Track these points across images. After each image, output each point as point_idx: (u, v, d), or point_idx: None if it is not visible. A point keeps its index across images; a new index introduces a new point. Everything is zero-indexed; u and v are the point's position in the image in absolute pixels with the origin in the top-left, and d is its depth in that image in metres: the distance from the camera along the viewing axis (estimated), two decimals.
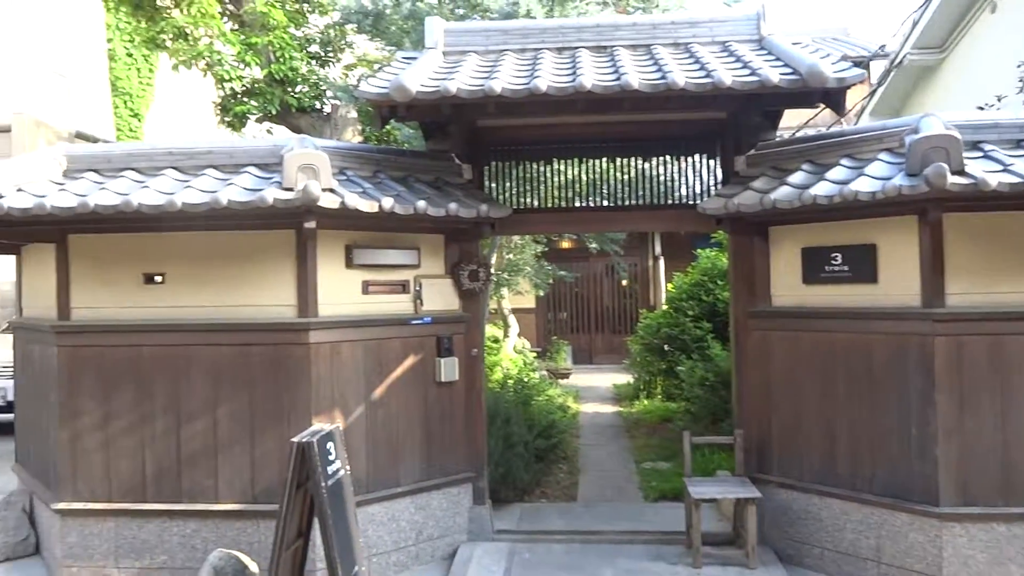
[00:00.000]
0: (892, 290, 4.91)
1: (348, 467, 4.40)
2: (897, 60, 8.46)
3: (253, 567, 4.74)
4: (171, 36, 8.26)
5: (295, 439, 4.07)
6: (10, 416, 8.12)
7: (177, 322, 5.07)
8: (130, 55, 16.74)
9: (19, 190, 4.69)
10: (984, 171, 4.22)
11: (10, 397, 8.65)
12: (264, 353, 5.02)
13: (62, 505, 5.13)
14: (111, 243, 5.13)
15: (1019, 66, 6.44)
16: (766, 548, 5.42)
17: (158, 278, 5.13)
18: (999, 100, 6.52)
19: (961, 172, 4.19)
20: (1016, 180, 4.14)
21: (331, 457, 4.20)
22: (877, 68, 9.20)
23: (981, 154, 4.55)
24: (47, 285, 5.39)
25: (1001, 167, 4.33)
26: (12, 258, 6.36)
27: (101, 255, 5.16)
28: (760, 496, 5.25)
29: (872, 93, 9.18)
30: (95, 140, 8.45)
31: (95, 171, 5.12)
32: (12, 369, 6.92)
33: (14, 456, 6.75)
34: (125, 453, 5.09)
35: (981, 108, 6.31)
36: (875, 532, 4.95)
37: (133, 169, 5.12)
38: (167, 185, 4.84)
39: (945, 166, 4.10)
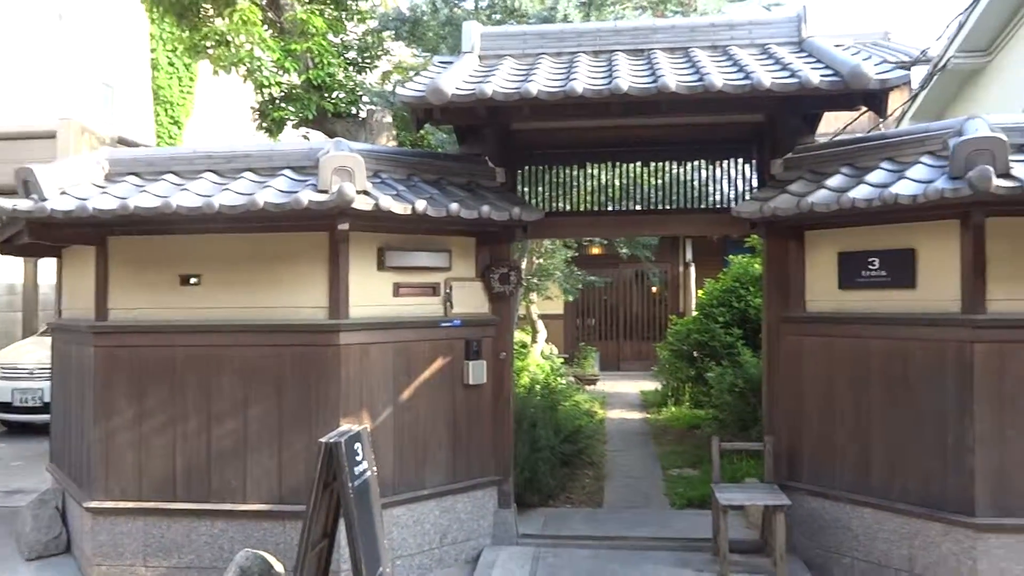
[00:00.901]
0: (931, 296, 4.74)
1: (375, 468, 4.34)
2: (941, 63, 8.21)
3: (279, 567, 4.69)
4: (213, 43, 8.31)
5: (323, 439, 4.01)
6: (46, 417, 8.20)
7: (211, 323, 5.06)
8: (172, 64, 17.03)
9: (62, 193, 4.72)
10: None
11: (47, 398, 8.76)
12: (295, 354, 4.98)
13: (94, 503, 5.13)
14: (149, 245, 5.14)
15: None
16: (794, 557, 5.25)
17: (194, 280, 5.12)
18: None
19: (1007, 175, 4.01)
20: None
21: (358, 458, 4.13)
22: (918, 74, 8.97)
23: None
24: (86, 287, 5.41)
25: None
26: (53, 261, 6.41)
27: (139, 257, 5.17)
28: (790, 503, 5.09)
29: (913, 97, 8.96)
30: (136, 146, 8.54)
31: (136, 175, 5.13)
32: (50, 370, 6.99)
33: (49, 456, 6.81)
34: (156, 453, 5.08)
35: None
36: (908, 543, 4.76)
37: (173, 172, 5.13)
38: (205, 188, 4.85)
39: (990, 169, 3.93)
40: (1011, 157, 4.13)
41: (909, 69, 4.53)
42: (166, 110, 17.20)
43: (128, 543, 5.09)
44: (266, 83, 8.23)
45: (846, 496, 5.09)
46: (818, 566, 5.19)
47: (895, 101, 10.54)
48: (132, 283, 5.18)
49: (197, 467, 5.03)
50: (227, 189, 4.75)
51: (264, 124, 8.83)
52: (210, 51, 8.43)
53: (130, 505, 5.08)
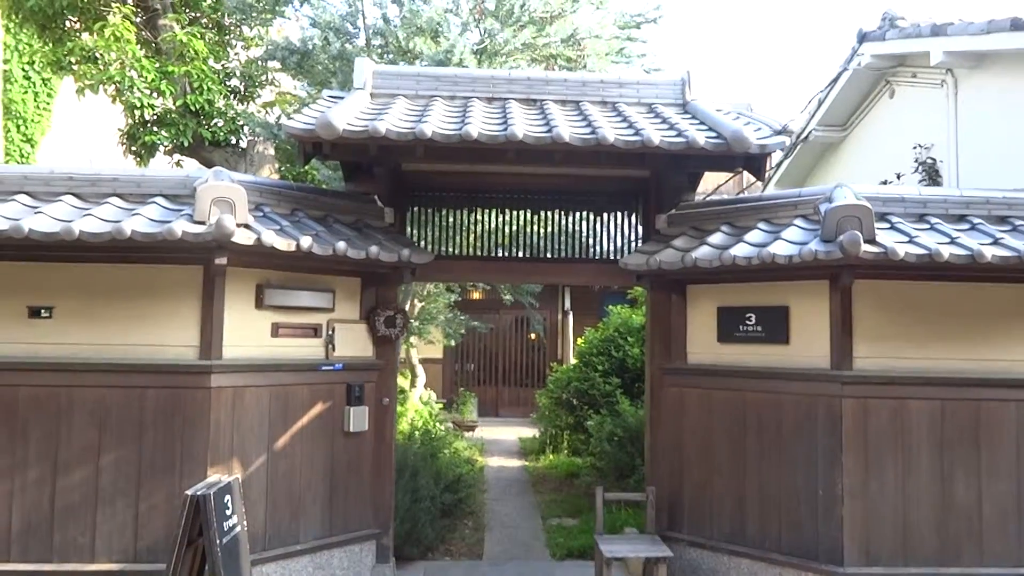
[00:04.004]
0: (803, 352, 5.00)
1: (245, 523, 4.05)
2: (804, 135, 8.90)
3: None
4: (78, 59, 7.78)
5: (189, 491, 3.71)
6: None
7: (63, 361, 4.60)
8: (27, 78, 15.79)
9: None
10: (894, 241, 4.36)
11: None
12: (159, 397, 4.62)
13: None
14: None
15: (914, 148, 6.86)
16: None
17: (45, 312, 4.66)
18: (899, 177, 6.90)
19: (873, 241, 4.32)
20: (922, 251, 4.30)
21: (228, 512, 3.87)
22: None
23: (888, 225, 4.73)
24: None
25: (907, 238, 4.49)
26: None
27: None
28: (671, 555, 5.16)
29: (778, 165, 9.65)
30: None
31: None
32: None
33: None
34: None
35: (884, 183, 6.66)
36: None
37: (26, 193, 4.70)
38: (64, 212, 4.48)
39: (859, 234, 4.22)
40: (875, 225, 4.45)
41: (785, 136, 4.83)
42: (18, 126, 15.88)
43: None
44: (138, 105, 7.76)
45: (724, 547, 5.22)
46: None
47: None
48: None
49: (38, 522, 4.52)
50: (89, 215, 4.40)
51: (133, 148, 8.30)
52: (75, 67, 7.87)
53: None
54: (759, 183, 7.08)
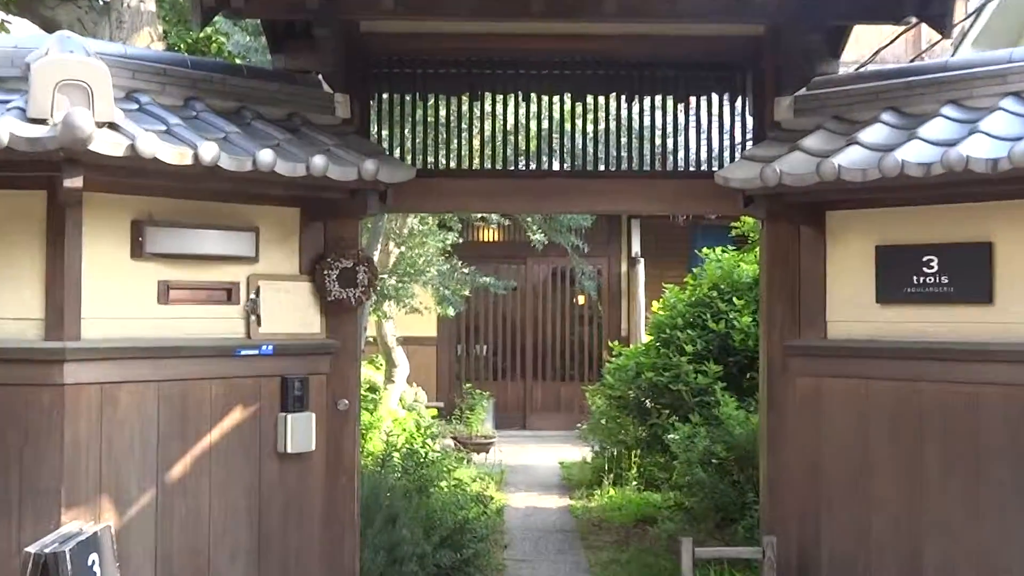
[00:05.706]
0: (1015, 316, 4.95)
1: None
2: None
3: None
4: None
5: (33, 548, 3.79)
6: None
7: None
8: None
9: None
10: None
11: None
12: None
13: None
14: None
15: None
16: None
17: None
18: None
19: None
20: None
21: None
22: None
23: None
24: None
25: None
26: None
27: None
28: None
29: (976, 12, 9.44)
30: None
31: None
32: None
33: None
34: None
35: None
36: None
37: None
38: None
39: None
40: None
41: None
42: None
43: None
44: None
45: None
46: None
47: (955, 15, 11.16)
48: None
49: None
50: None
51: None
52: None
53: None
54: (945, 42, 6.95)
